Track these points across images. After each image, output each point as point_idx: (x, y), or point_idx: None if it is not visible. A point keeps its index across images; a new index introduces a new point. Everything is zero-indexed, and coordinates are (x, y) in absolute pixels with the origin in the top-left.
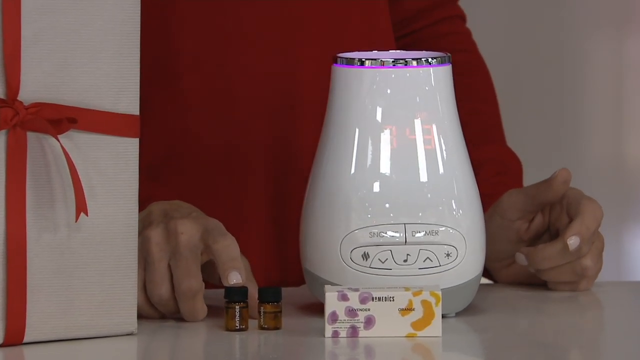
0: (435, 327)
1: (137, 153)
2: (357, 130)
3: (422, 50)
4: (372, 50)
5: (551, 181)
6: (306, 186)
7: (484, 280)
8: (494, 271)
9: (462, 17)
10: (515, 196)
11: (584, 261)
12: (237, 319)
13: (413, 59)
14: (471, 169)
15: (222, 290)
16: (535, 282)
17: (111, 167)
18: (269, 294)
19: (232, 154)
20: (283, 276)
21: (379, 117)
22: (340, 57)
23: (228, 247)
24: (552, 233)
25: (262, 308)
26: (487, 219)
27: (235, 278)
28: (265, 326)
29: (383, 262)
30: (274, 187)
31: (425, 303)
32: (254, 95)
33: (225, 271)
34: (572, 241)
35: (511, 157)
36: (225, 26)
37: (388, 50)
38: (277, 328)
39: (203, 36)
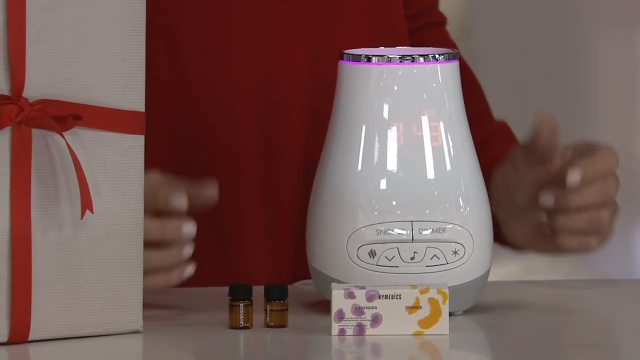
0: (443, 325)
1: (143, 150)
2: (363, 127)
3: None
4: (377, 47)
5: (536, 134)
6: (298, 182)
7: (492, 275)
8: (507, 222)
9: (443, 23)
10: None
11: (602, 213)
12: (242, 316)
13: (420, 55)
14: (478, 166)
15: (226, 288)
16: (543, 250)
17: (117, 164)
18: (276, 292)
19: (227, 149)
20: (276, 271)
21: (385, 114)
22: (346, 54)
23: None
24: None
25: (268, 305)
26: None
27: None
28: (272, 324)
29: (390, 260)
30: (266, 184)
31: (432, 301)
32: (249, 88)
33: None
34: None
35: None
36: (220, 21)
37: (395, 47)
38: (283, 326)
39: (201, 32)
